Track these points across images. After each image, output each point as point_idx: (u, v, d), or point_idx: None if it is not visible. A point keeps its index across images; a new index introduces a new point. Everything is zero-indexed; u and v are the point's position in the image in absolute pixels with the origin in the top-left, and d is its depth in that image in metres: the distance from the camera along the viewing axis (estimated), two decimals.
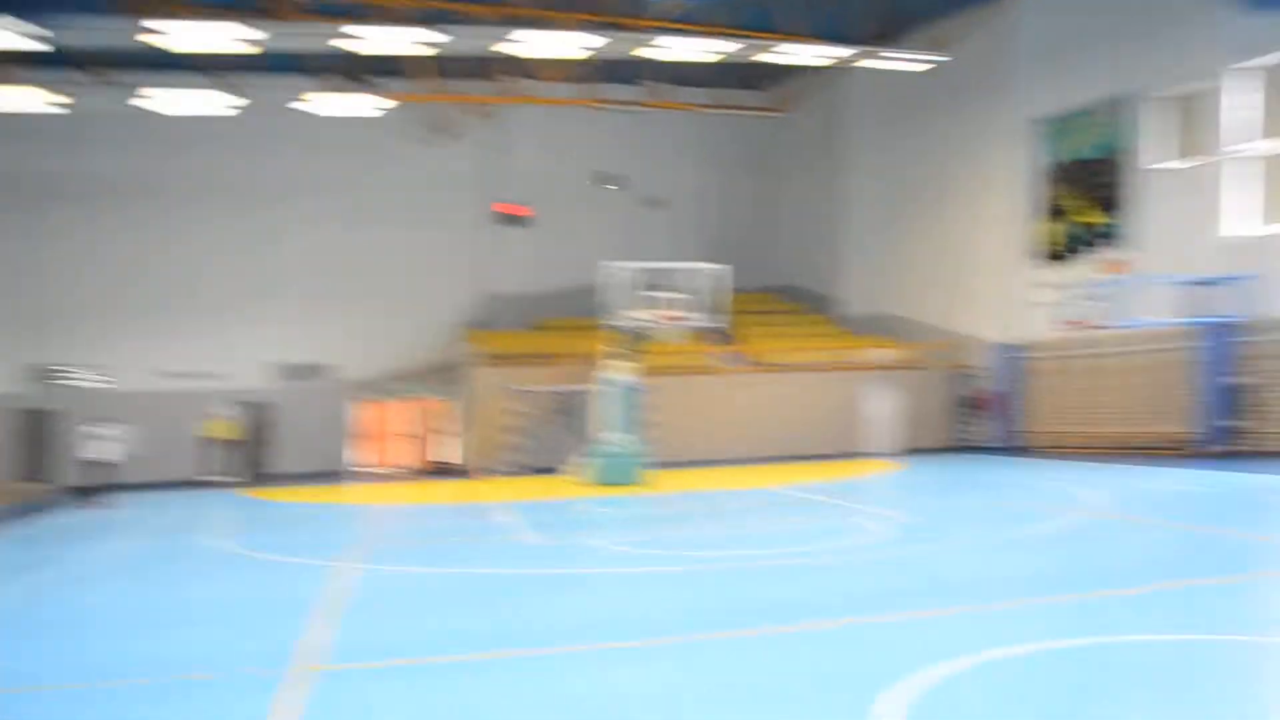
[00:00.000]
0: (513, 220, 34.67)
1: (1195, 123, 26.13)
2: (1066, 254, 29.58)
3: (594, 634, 7.92)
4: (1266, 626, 7.24)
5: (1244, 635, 6.90)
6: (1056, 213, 30.01)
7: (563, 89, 34.23)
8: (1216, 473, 20.45)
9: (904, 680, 6.16)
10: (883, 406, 31.47)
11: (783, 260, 40.48)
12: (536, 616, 8.74)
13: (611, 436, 22.97)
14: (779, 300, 39.01)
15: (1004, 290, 31.01)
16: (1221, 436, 24.61)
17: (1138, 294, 24.74)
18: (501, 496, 21.14)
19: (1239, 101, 25.17)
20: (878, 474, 23.31)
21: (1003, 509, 15.07)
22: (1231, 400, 24.42)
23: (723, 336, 30.22)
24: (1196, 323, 24.73)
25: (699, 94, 37.25)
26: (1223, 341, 24.84)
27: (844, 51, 29.16)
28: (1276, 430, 23.93)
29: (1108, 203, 28.44)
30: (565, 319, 33.92)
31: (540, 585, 10.39)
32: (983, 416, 32.08)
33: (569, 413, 28.49)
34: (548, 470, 26.69)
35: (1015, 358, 30.72)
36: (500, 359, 30.32)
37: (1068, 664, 6.61)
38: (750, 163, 40.90)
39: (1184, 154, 26.49)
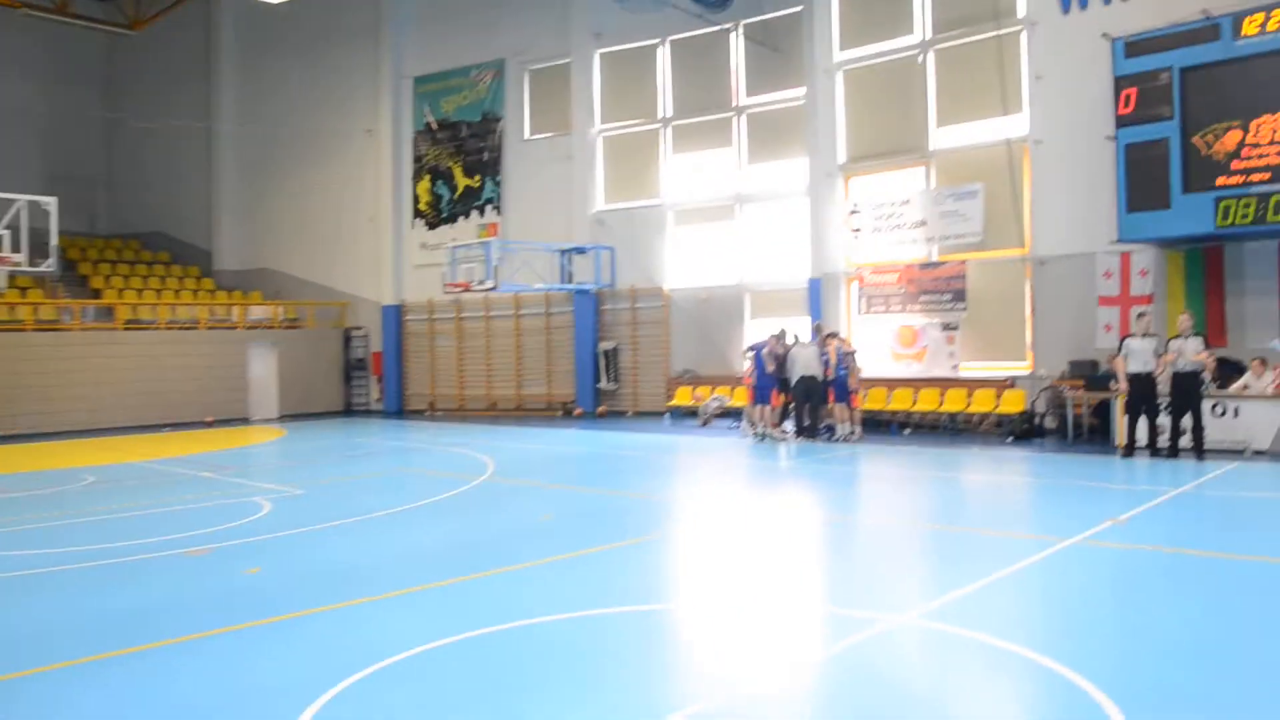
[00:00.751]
0: None
1: (563, 97, 27.73)
2: (448, 216, 30.05)
3: None
4: (658, 594, 7.52)
5: (647, 605, 7.02)
6: (437, 173, 30.34)
7: None
8: (594, 433, 21.99)
9: (330, 689, 5.40)
10: (266, 369, 29.91)
11: (151, 204, 36.37)
12: None
13: None
14: (146, 249, 35.20)
15: (388, 250, 30.77)
16: (595, 398, 26.74)
17: (516, 259, 25.82)
18: None
19: (586, 81, 27.19)
20: (262, 443, 21.91)
21: (398, 477, 14.74)
22: (599, 364, 26.55)
23: (58, 283, 26.45)
24: (569, 289, 26.45)
25: None
26: (590, 309, 26.89)
27: None
28: (630, 391, 26.55)
29: (485, 167, 29.31)
30: None
31: None
32: (372, 379, 31.81)
33: None
34: None
35: (403, 319, 30.77)
36: None
37: (493, 651, 6.24)
38: (108, 87, 36.35)
39: (555, 127, 28.04)
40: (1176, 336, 14.72)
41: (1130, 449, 14.92)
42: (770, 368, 18.80)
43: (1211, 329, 16.93)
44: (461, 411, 29.25)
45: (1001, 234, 19.97)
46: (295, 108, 32.87)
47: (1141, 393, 14.81)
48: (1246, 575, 7.80)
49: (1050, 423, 18.38)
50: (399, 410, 30.57)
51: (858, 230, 21.79)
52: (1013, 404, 18.47)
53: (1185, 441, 14.55)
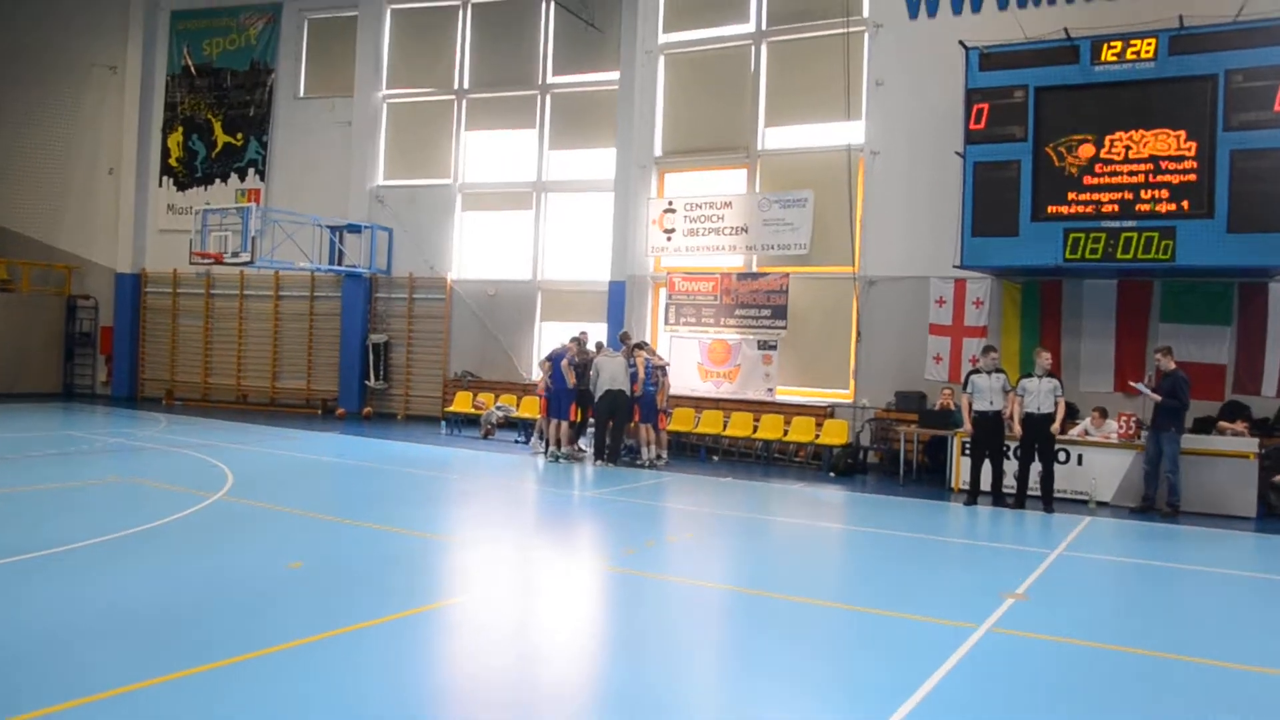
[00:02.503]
0: None
1: (346, 54, 24.49)
2: (203, 176, 26.15)
3: None
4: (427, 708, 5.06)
5: None
6: (192, 125, 26.35)
7: None
8: (358, 440, 19.00)
9: None
10: None
11: None
12: None
13: None
14: None
15: (129, 209, 26.50)
16: (361, 398, 23.61)
17: (279, 233, 22.44)
18: None
19: (374, 39, 24.12)
20: None
21: (108, 490, 11.44)
22: (368, 359, 23.47)
23: None
24: (338, 271, 23.25)
25: None
26: (360, 296, 23.78)
27: None
28: (402, 392, 23.62)
29: (250, 124, 25.64)
30: None
31: None
32: (100, 359, 27.39)
33: None
34: None
35: (141, 291, 26.57)
36: None
37: None
38: None
39: (334, 88, 24.73)
40: (1029, 375, 13.33)
41: (974, 495, 13.41)
42: (570, 379, 16.43)
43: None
44: (205, 403, 25.42)
45: (830, 249, 18.38)
46: (23, 29, 27.95)
47: (987, 434, 13.34)
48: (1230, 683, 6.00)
49: (872, 457, 16.86)
50: (130, 396, 26.39)
51: (670, 231, 19.76)
52: (834, 435, 16.80)
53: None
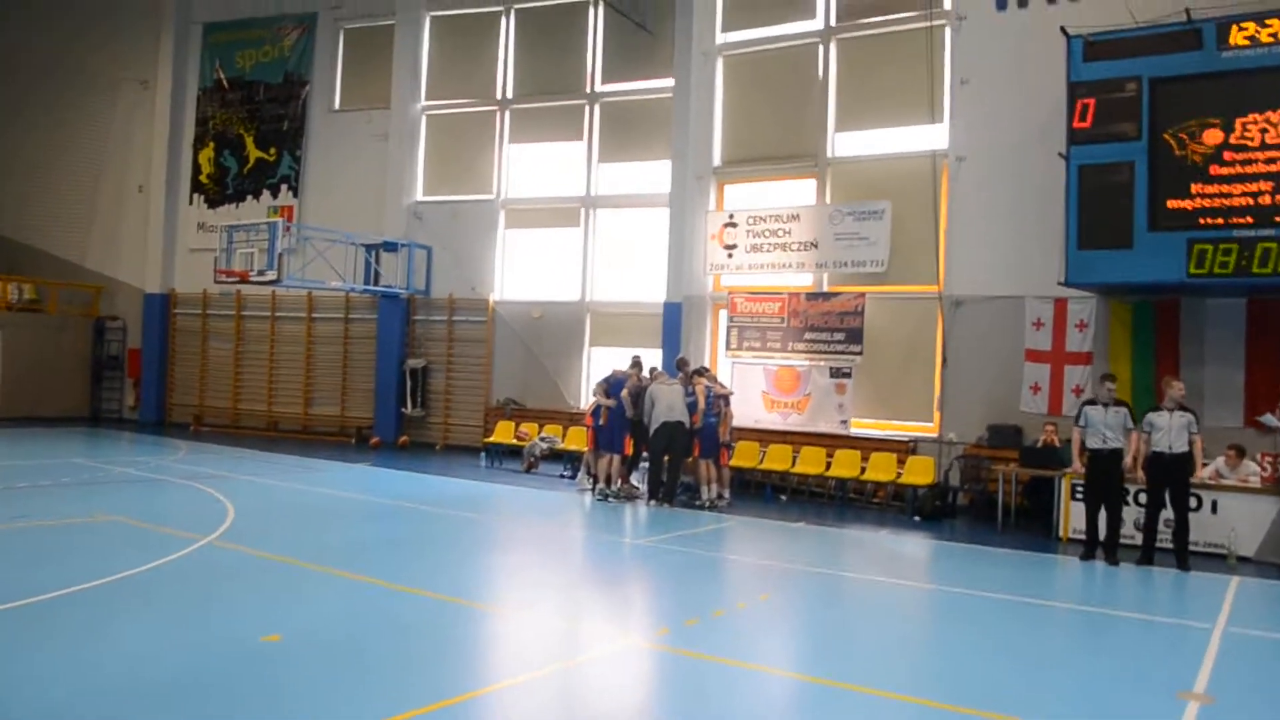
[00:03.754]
0: None
1: (383, 65, 23.11)
2: (234, 192, 24.88)
3: None
4: None
5: None
6: (224, 141, 25.11)
7: None
8: (390, 473, 17.43)
9: None
10: None
11: None
12: None
13: None
14: None
15: (158, 227, 25.30)
16: (398, 426, 22.08)
17: (311, 251, 21.04)
18: None
19: (412, 48, 22.72)
20: None
21: (86, 530, 9.90)
22: (405, 385, 21.94)
23: None
24: (373, 292, 21.78)
25: None
26: (397, 318, 22.30)
27: None
28: (440, 421, 22.06)
29: (284, 138, 24.34)
30: None
31: None
32: (127, 381, 26.16)
33: None
34: None
35: (170, 312, 25.33)
36: None
37: None
38: None
39: (371, 100, 23.36)
40: (1156, 409, 11.39)
41: (1092, 547, 11.45)
42: (629, 409, 14.71)
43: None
44: (234, 429, 24.05)
45: (910, 266, 16.53)
46: (54, 44, 27.02)
47: (1103, 476, 11.41)
48: None
49: (961, 499, 14.93)
50: (159, 422, 25.08)
51: (731, 247, 18.03)
52: (919, 474, 14.88)
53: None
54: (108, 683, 5.66)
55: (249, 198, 24.67)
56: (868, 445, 15.88)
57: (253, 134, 24.75)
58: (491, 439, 19.47)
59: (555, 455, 18.25)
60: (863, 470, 15.37)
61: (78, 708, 5.26)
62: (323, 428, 23.45)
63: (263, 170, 24.60)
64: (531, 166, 22.00)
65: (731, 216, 18.13)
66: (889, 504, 15.24)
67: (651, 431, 14.39)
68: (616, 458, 14.76)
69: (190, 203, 25.42)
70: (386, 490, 15.01)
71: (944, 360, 15.92)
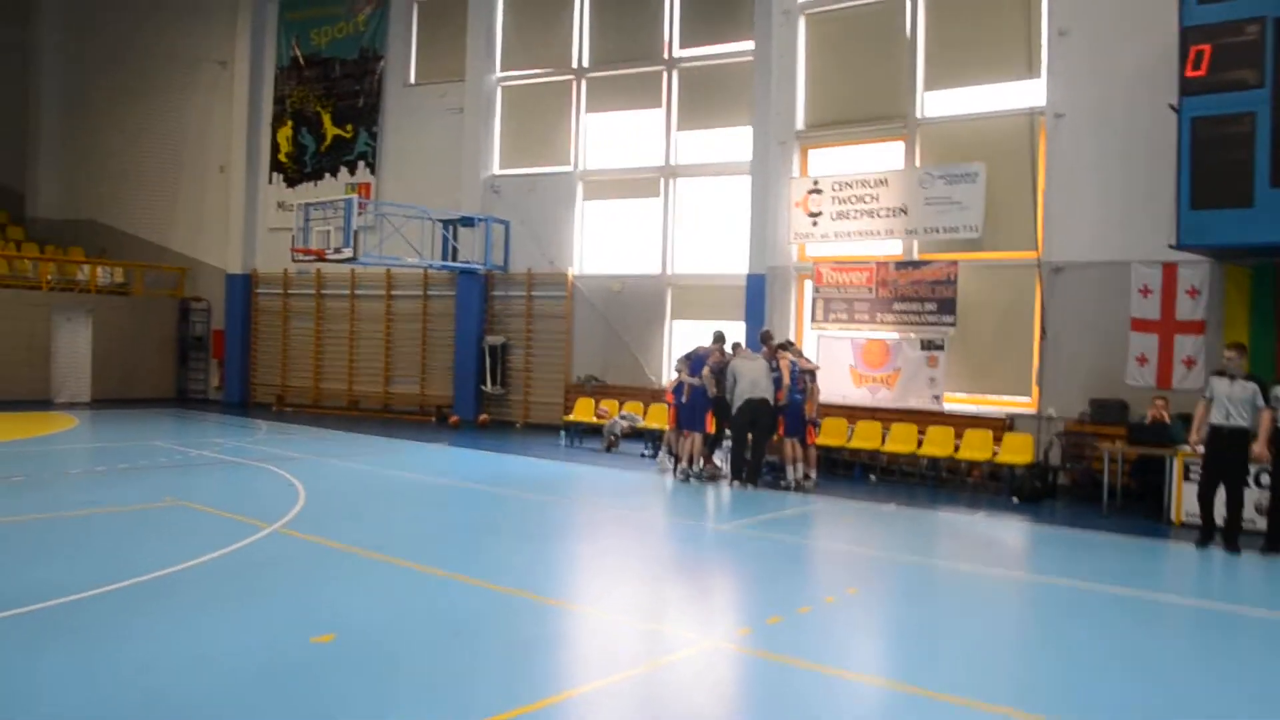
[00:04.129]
0: None
1: (457, 37, 22.71)
2: (312, 170, 24.80)
3: None
4: None
5: None
6: (301, 119, 25.02)
7: None
8: (467, 452, 17.17)
9: None
10: (76, 342, 24.36)
11: None
12: None
13: None
14: None
15: (239, 208, 25.40)
16: (477, 404, 21.84)
17: (388, 228, 20.81)
18: None
19: (486, 19, 22.26)
20: (26, 438, 16.49)
21: (152, 516, 9.73)
22: (484, 362, 21.66)
23: None
24: (451, 268, 21.49)
25: None
26: (475, 294, 22.00)
27: None
28: (520, 399, 21.75)
29: (360, 115, 24.15)
30: None
31: None
32: (211, 362, 26.40)
33: None
34: None
35: (252, 292, 25.44)
36: None
37: None
38: None
39: (446, 73, 23.02)
40: None
41: (1208, 534, 10.61)
42: (712, 388, 14.16)
43: None
44: (316, 409, 24.10)
45: (1007, 230, 15.62)
46: (136, 27, 27.31)
47: (1223, 454, 10.52)
48: None
49: (1063, 478, 14.08)
50: (242, 402, 25.25)
51: (816, 215, 17.28)
52: (1016, 452, 14.07)
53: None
54: (106, 705, 5.30)
55: (326, 175, 24.57)
56: (961, 422, 15.07)
57: (330, 111, 24.61)
58: (570, 417, 19.06)
59: (636, 433, 17.79)
60: (956, 448, 14.61)
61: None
62: (403, 406, 23.32)
63: (340, 148, 24.46)
64: (609, 136, 21.44)
65: (816, 182, 17.37)
66: (984, 484, 14.46)
67: (734, 409, 13.81)
68: (699, 436, 14.24)
69: (270, 182, 25.44)
70: (462, 471, 14.70)
71: (1043, 331, 15.00)
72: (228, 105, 25.74)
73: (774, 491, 13.49)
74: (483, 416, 21.65)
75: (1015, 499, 13.38)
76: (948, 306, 15.58)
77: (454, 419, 21.70)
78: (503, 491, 12.91)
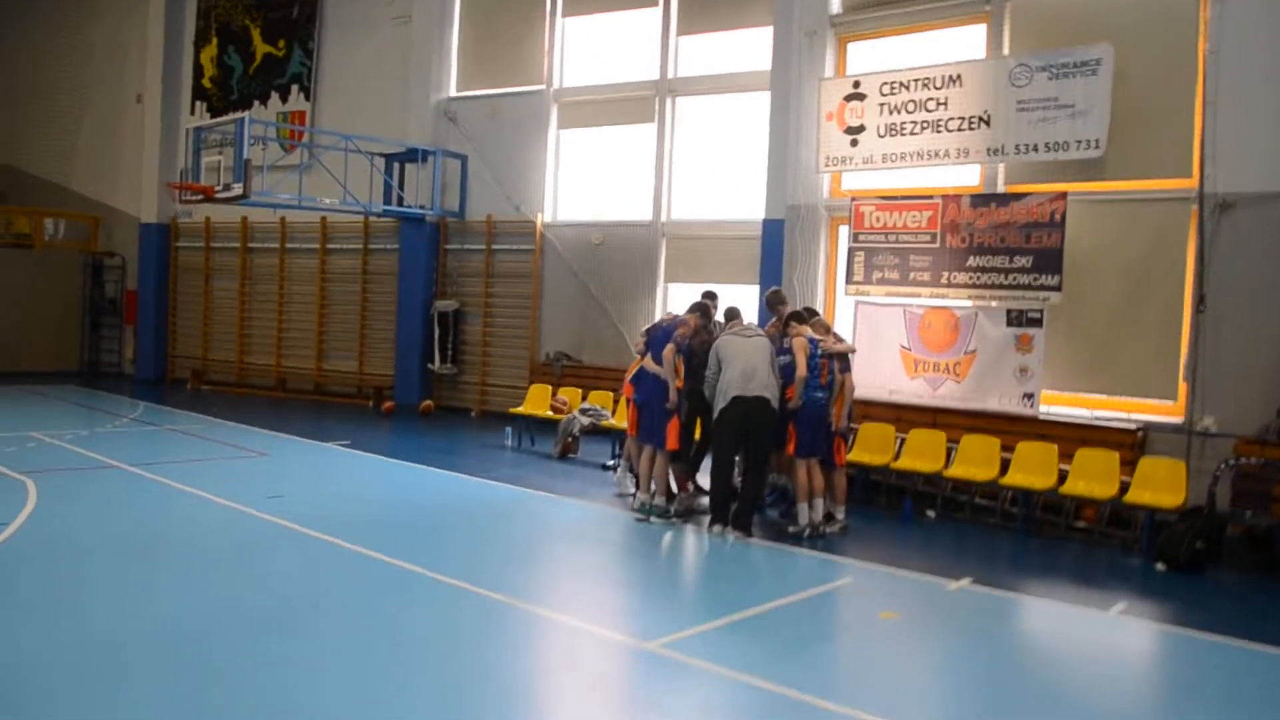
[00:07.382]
0: None
1: None
2: (239, 97, 20.22)
3: None
4: None
5: None
6: (228, 34, 20.42)
7: None
8: (375, 462, 12.51)
9: None
10: None
11: None
12: None
13: None
14: None
15: (153, 142, 20.87)
16: (424, 386, 17.27)
17: (325, 162, 16.25)
18: None
19: None
20: None
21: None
22: (433, 335, 17.04)
23: None
24: (392, 213, 16.84)
25: None
26: (423, 248, 17.35)
27: None
28: (477, 380, 17.09)
29: (294, 29, 19.49)
30: None
31: None
32: (126, 329, 21.97)
33: None
34: None
35: (173, 246, 20.99)
36: None
37: None
38: None
39: None
40: None
41: None
42: (675, 375, 9.26)
43: None
44: (239, 388, 19.61)
45: (1143, 148, 10.52)
46: None
47: None
48: None
49: (1231, 529, 9.04)
50: (158, 379, 20.90)
51: (857, 131, 12.30)
52: (1159, 486, 8.98)
53: None
54: None
55: (255, 103, 19.94)
56: (1068, 434, 10.01)
57: (259, 24, 19.98)
58: (520, 409, 14.21)
59: (600, 432, 12.99)
60: (1061, 477, 9.55)
61: None
62: (339, 387, 18.75)
63: (271, 68, 19.82)
64: (592, 46, 16.59)
65: (857, 85, 12.33)
66: (1104, 533, 9.45)
67: (717, 411, 8.90)
68: (660, 453, 9.34)
69: (192, 112, 20.87)
70: (311, 498, 9.88)
71: (1200, 299, 9.90)
72: (143, 24, 21.16)
73: (777, 545, 8.60)
74: (426, 403, 16.97)
75: (1160, 565, 8.36)
76: (1050, 261, 10.47)
77: (388, 405, 17.05)
78: (329, 547, 7.98)
